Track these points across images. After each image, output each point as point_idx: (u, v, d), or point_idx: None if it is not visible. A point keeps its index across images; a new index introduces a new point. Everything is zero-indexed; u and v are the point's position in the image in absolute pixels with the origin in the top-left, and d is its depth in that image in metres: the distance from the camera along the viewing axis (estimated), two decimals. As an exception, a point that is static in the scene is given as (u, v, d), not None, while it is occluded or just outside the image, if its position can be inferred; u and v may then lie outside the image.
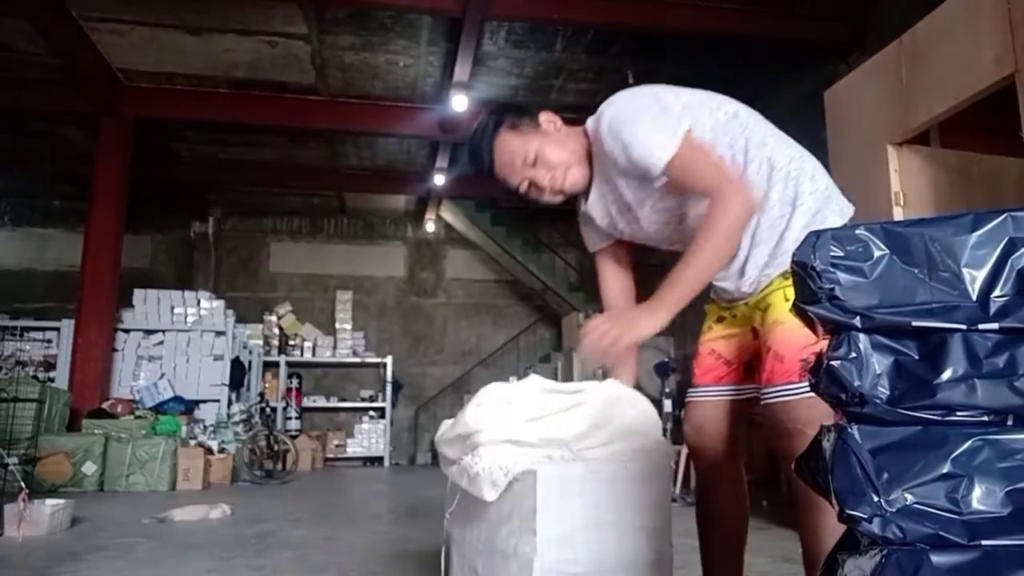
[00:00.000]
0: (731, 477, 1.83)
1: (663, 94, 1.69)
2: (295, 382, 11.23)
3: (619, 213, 1.81)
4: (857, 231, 0.86)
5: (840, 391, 0.84)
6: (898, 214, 3.33)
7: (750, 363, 1.75)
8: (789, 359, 1.56)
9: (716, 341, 1.82)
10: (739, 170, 1.64)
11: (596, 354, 1.55)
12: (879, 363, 0.83)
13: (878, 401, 0.81)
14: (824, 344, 1.54)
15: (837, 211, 1.65)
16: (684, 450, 6.30)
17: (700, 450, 1.83)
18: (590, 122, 1.76)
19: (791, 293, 1.57)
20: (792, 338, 1.55)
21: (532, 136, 1.73)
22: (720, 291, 1.80)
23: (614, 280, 1.96)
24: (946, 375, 0.80)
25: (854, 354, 0.83)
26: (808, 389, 1.52)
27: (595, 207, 1.83)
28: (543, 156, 1.72)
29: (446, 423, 1.88)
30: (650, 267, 2.50)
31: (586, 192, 1.82)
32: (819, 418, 1.51)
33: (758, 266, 1.66)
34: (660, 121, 1.60)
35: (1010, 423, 0.79)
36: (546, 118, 1.76)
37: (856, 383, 0.82)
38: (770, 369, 1.59)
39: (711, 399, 1.80)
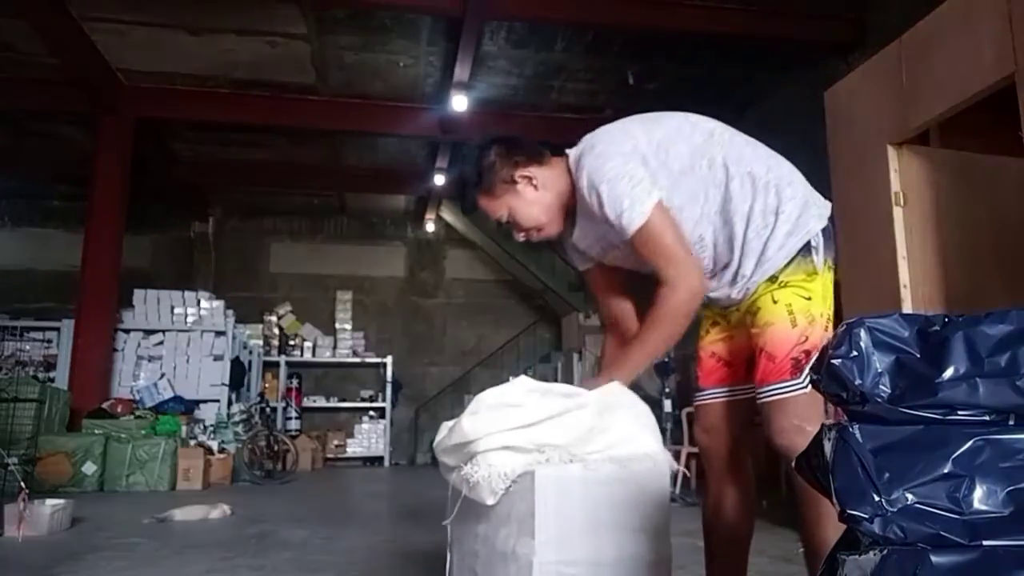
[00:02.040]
0: (740, 478, 1.86)
1: (638, 137, 1.72)
2: (295, 382, 11.22)
3: (604, 248, 1.86)
4: None
5: (841, 389, 0.84)
6: (898, 214, 3.33)
7: (751, 360, 1.78)
8: (780, 358, 1.62)
9: (715, 344, 1.88)
10: (720, 189, 1.69)
11: None
12: (880, 361, 0.82)
13: (879, 400, 0.81)
14: (813, 344, 1.59)
15: (816, 215, 1.71)
16: (684, 450, 6.30)
17: (711, 450, 1.87)
18: (572, 158, 1.79)
19: (779, 295, 1.66)
20: (782, 338, 1.62)
21: (505, 198, 1.79)
22: (713, 301, 1.84)
23: (610, 296, 1.99)
24: (948, 374, 0.80)
25: (855, 352, 0.83)
26: (802, 386, 1.58)
27: (581, 240, 1.88)
28: (515, 218, 1.81)
29: (444, 427, 1.88)
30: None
31: (572, 225, 1.86)
32: (815, 414, 1.58)
33: (747, 274, 1.71)
34: (632, 190, 1.64)
35: (1012, 423, 0.79)
36: (522, 176, 1.78)
37: (857, 381, 0.82)
38: (763, 369, 1.65)
39: (718, 400, 1.85)
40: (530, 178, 1.79)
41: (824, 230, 1.70)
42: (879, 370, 0.82)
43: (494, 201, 1.80)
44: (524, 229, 1.84)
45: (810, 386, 1.54)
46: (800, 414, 1.57)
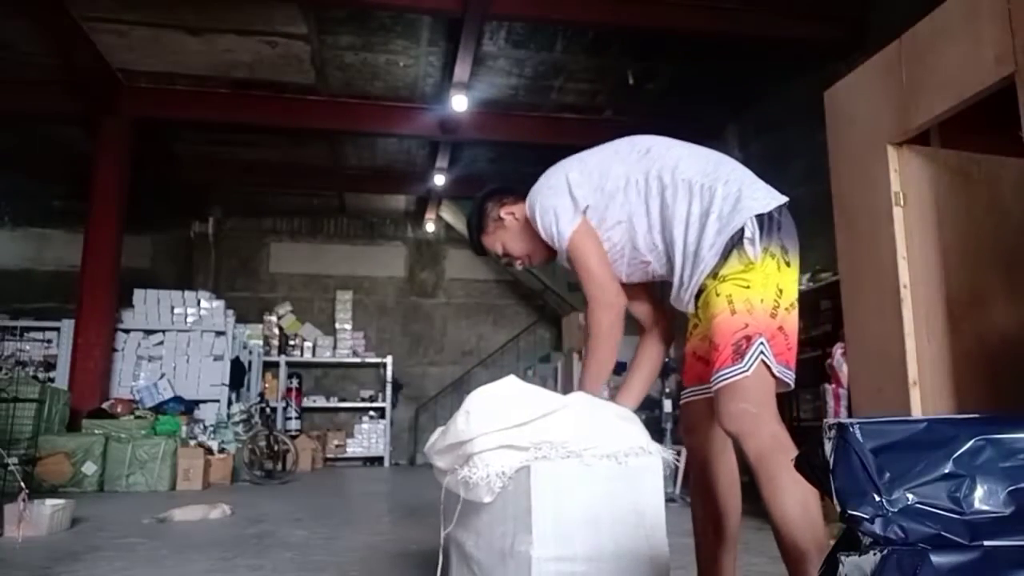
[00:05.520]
0: (724, 474, 1.91)
1: (569, 168, 1.95)
2: (295, 382, 11.22)
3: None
4: None
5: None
6: (898, 214, 3.33)
7: None
8: (723, 346, 1.69)
9: (694, 343, 1.96)
10: (658, 200, 1.85)
11: None
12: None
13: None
14: (755, 330, 1.65)
15: (747, 208, 1.75)
16: (684, 450, 6.31)
17: (694, 448, 1.94)
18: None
19: (720, 288, 1.73)
20: (724, 327, 1.70)
21: (497, 233, 2.10)
22: (681, 306, 1.94)
23: (635, 297, 2.07)
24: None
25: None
26: (744, 370, 1.64)
27: (560, 260, 2.07)
28: (508, 250, 2.11)
29: (436, 433, 1.89)
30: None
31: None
32: (761, 398, 1.64)
33: (690, 276, 1.81)
34: (558, 221, 1.89)
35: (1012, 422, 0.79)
36: (507, 212, 2.07)
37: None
38: (712, 359, 1.72)
39: (697, 398, 1.92)
40: (513, 213, 2.06)
41: (762, 219, 1.73)
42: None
43: (489, 237, 2.12)
44: (517, 258, 2.11)
45: (753, 370, 1.64)
46: (746, 397, 1.63)
